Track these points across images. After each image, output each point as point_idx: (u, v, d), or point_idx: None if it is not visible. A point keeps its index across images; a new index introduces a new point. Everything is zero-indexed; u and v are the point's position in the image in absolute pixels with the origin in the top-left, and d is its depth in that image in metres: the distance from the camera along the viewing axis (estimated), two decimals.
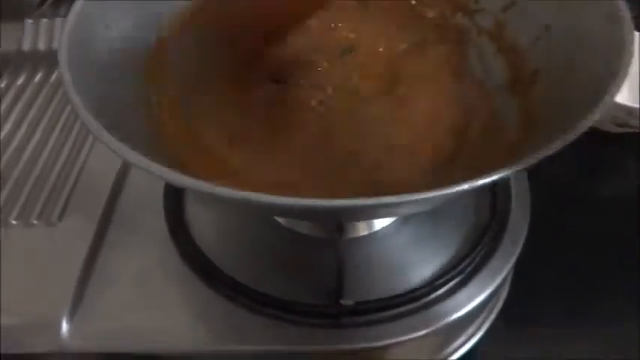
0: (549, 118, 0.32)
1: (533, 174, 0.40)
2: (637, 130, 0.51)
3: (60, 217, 0.41)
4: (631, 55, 0.29)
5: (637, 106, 0.49)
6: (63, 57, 0.29)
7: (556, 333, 0.41)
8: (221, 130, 0.37)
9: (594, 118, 0.26)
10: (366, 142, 0.36)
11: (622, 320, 0.42)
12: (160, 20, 0.39)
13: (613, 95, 0.27)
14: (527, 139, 0.33)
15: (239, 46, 0.40)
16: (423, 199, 0.24)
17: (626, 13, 0.31)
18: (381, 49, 0.42)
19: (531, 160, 0.25)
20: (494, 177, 0.25)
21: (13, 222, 0.41)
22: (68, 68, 0.29)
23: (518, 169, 0.25)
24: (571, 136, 0.26)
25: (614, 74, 0.28)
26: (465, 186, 0.24)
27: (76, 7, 0.33)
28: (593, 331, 0.41)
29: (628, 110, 0.50)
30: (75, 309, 0.36)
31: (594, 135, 0.27)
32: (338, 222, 0.35)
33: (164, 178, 0.25)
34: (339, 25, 0.44)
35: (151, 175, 0.25)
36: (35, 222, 0.41)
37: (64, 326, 0.35)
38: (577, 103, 0.30)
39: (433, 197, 0.24)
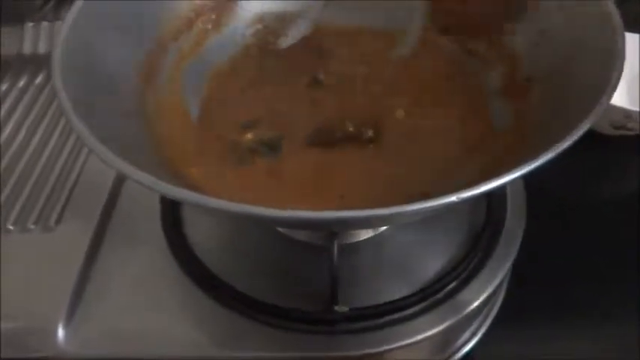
0: (546, 124, 0.32)
1: (529, 177, 0.40)
2: (634, 133, 0.51)
3: (57, 222, 0.41)
4: (623, 59, 0.29)
5: (635, 109, 0.49)
6: (56, 62, 0.29)
7: (555, 334, 0.41)
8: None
9: (588, 125, 0.26)
10: None
11: (622, 320, 0.41)
12: (159, 21, 0.40)
13: (607, 100, 0.27)
14: (525, 144, 0.33)
15: None
16: (412, 210, 0.24)
17: (616, 17, 0.31)
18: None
19: (524, 169, 0.25)
20: (488, 187, 0.24)
21: (10, 227, 0.41)
22: (62, 79, 0.29)
23: (511, 178, 0.25)
24: (564, 144, 0.25)
25: (608, 78, 0.28)
26: (453, 198, 0.24)
27: (74, 9, 0.33)
28: (593, 331, 0.41)
29: (626, 113, 0.49)
30: (71, 314, 0.36)
31: (592, 137, 0.27)
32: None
33: (161, 192, 0.26)
34: None
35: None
36: (32, 227, 0.41)
37: (60, 331, 0.35)
38: (573, 108, 0.29)
39: (422, 209, 0.24)
